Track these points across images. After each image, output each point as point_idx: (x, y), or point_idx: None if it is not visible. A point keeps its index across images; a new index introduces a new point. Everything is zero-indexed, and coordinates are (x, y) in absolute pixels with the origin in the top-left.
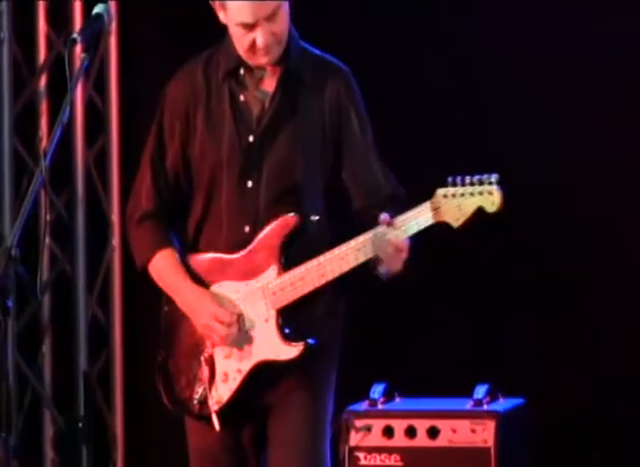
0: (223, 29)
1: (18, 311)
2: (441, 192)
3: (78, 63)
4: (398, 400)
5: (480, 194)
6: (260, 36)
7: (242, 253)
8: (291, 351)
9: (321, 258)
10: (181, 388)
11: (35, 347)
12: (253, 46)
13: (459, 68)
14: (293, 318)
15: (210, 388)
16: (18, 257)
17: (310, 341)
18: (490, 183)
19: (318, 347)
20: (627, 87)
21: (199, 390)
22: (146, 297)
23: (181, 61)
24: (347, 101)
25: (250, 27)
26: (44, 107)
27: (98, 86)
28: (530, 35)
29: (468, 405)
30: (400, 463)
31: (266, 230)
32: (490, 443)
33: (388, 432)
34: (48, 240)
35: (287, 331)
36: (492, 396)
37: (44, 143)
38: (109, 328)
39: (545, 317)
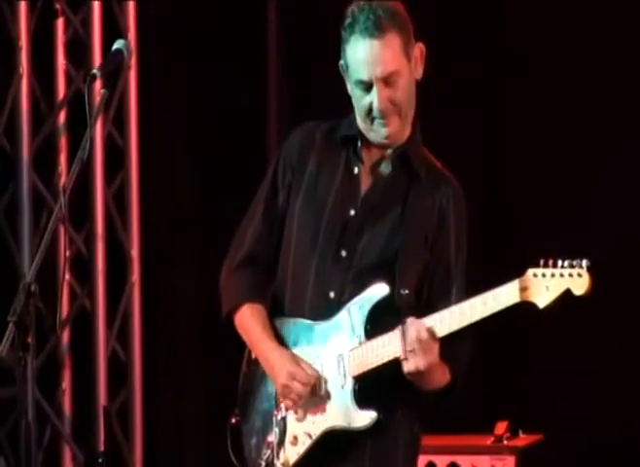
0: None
1: (38, 347)
2: (531, 271)
3: (97, 99)
4: None
5: (570, 275)
6: (376, 98)
7: (328, 320)
8: (363, 419)
9: (396, 331)
10: (250, 449)
11: (54, 383)
12: (370, 111)
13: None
14: (370, 388)
15: (279, 450)
16: (38, 293)
17: (384, 414)
18: (581, 267)
19: (395, 429)
20: None
21: (268, 452)
22: (165, 332)
23: (199, 97)
24: (452, 218)
25: (366, 87)
26: (63, 143)
27: (118, 121)
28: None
29: (488, 441)
30: None
31: (356, 298)
32: None
33: None
34: (67, 276)
35: (362, 399)
36: (512, 432)
37: (63, 179)
38: (128, 363)
39: (563, 353)
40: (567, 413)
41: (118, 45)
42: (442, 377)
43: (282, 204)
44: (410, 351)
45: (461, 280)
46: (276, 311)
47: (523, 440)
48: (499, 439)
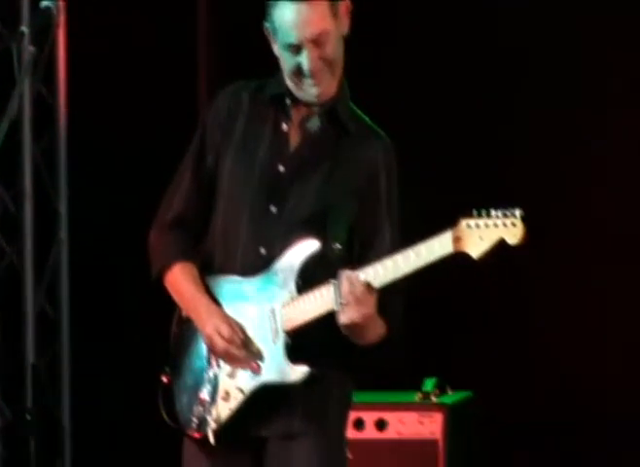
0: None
1: None
2: (464, 222)
3: (26, 57)
4: None
5: (504, 225)
6: (305, 59)
7: (259, 276)
8: (296, 374)
9: (330, 284)
10: (182, 407)
11: None
12: (299, 72)
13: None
14: (302, 343)
15: (210, 407)
16: None
17: (317, 369)
18: (514, 216)
19: (326, 386)
20: None
21: (200, 408)
22: (94, 289)
23: (130, 55)
24: (382, 170)
25: (296, 49)
26: None
27: (47, 79)
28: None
29: (416, 397)
30: (349, 455)
31: (286, 253)
32: (438, 435)
33: None
34: None
35: (294, 353)
36: (440, 389)
37: None
38: (57, 321)
39: (492, 311)
40: (495, 370)
41: (47, 2)
42: (378, 330)
43: (210, 165)
44: (345, 304)
45: (394, 232)
46: (208, 270)
47: (451, 397)
48: (427, 396)
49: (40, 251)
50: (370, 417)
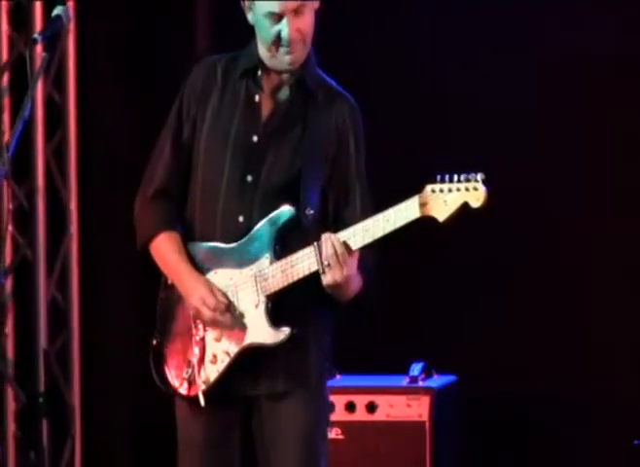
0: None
1: None
2: (429, 187)
3: (38, 62)
4: (338, 377)
5: (467, 189)
6: (285, 27)
7: (239, 242)
8: (277, 336)
9: (311, 248)
10: (172, 369)
11: None
12: (278, 39)
13: (454, 68)
14: (283, 306)
15: (199, 369)
16: None
17: (297, 329)
18: (476, 180)
19: (305, 341)
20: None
21: (189, 371)
22: (102, 280)
23: (134, 60)
24: (350, 131)
25: (277, 18)
26: (6, 103)
27: (57, 83)
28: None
29: (404, 382)
30: (341, 436)
31: (263, 220)
32: (425, 417)
33: None
34: (10, 228)
35: (275, 316)
36: (427, 373)
37: (6, 137)
38: (67, 310)
39: (477, 297)
40: (480, 355)
41: (57, 11)
42: (357, 286)
43: (188, 137)
44: (327, 265)
45: (364, 193)
46: (189, 238)
47: (437, 381)
48: (414, 380)
49: (51, 244)
50: (360, 401)
